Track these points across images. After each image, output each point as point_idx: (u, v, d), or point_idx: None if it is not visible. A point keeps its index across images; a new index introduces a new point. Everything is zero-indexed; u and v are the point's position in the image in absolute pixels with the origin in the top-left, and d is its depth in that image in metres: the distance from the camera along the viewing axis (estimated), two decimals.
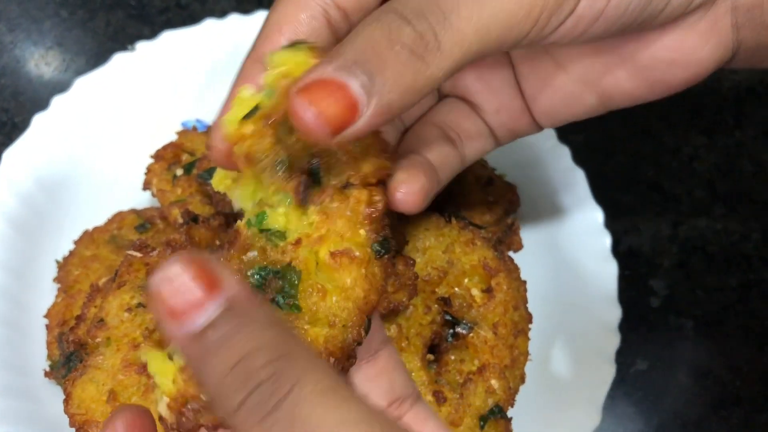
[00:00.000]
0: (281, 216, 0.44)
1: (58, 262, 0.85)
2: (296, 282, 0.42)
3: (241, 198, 0.46)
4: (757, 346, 0.91)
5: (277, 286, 0.43)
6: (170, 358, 0.39)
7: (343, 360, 0.43)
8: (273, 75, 0.42)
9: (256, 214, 0.44)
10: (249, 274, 0.43)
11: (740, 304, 0.94)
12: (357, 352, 0.45)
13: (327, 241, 0.43)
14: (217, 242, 0.76)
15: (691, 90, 1.12)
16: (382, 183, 0.46)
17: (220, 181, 0.70)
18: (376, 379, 0.49)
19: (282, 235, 0.43)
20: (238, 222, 0.44)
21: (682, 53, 0.53)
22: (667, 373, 0.89)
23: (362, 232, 0.43)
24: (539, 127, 0.63)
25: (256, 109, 0.42)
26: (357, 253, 0.42)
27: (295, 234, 0.43)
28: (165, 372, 0.39)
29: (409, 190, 0.50)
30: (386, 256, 0.44)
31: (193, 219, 0.77)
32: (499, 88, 0.61)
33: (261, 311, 0.34)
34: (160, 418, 0.40)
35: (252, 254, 0.43)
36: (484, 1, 0.42)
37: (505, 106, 0.62)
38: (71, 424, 0.65)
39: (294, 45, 0.43)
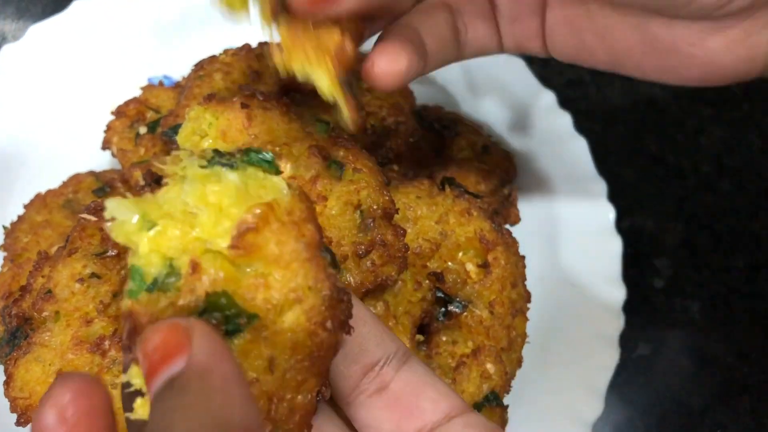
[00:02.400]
0: (147, 238, 0.35)
1: (5, 227, 0.79)
2: (226, 301, 0.35)
3: None
4: (765, 330, 0.87)
5: (219, 319, 0.35)
6: None
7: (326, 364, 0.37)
8: None
9: (130, 279, 0.35)
10: None
11: (748, 285, 0.90)
12: None
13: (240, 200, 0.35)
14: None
15: None
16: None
17: (186, 137, 0.65)
18: None
19: (172, 271, 0.35)
20: (123, 307, 0.36)
21: (704, 51, 0.52)
22: (670, 358, 0.85)
23: (330, 66, 0.44)
24: (547, 53, 0.63)
25: None
26: (257, 211, 0.35)
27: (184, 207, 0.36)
28: None
29: (389, 69, 0.48)
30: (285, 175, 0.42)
31: (156, 181, 0.70)
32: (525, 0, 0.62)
33: (216, 374, 0.31)
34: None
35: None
36: None
37: (523, 21, 0.61)
38: (12, 410, 0.59)
39: None
